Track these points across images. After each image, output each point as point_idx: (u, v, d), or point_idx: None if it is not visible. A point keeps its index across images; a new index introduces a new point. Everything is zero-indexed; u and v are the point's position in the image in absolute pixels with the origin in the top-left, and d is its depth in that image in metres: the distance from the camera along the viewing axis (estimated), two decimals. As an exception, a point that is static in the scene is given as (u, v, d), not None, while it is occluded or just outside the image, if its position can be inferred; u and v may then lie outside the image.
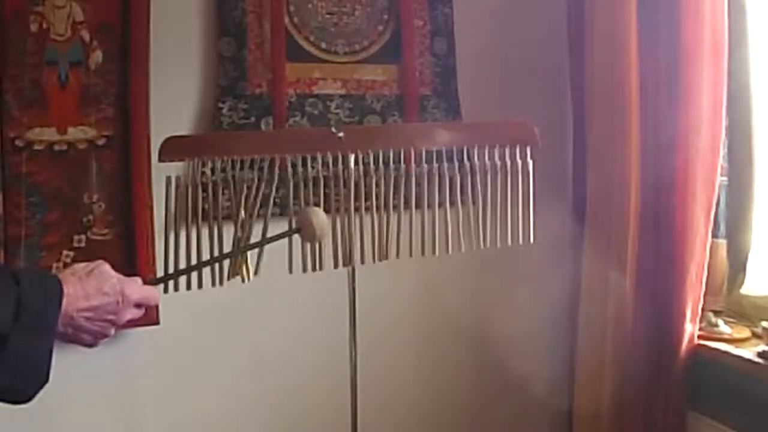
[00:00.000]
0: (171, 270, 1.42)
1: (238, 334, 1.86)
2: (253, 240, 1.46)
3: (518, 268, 1.99)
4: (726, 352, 1.63)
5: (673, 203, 1.68)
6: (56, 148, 1.67)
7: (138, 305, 1.00)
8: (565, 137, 2.06)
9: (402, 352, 2.02)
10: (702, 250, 1.68)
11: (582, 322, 1.93)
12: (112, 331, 0.97)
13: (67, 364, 1.71)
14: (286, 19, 1.87)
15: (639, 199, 1.74)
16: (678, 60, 1.65)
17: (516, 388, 2.06)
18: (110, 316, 0.95)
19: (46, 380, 0.85)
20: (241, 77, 1.83)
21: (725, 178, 1.74)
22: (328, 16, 1.92)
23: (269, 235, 1.33)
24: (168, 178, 1.45)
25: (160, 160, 1.44)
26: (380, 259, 1.52)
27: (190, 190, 1.45)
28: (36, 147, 1.65)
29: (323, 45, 1.91)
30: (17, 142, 1.64)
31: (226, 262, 1.46)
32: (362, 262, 1.52)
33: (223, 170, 1.46)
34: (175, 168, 1.49)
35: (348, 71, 1.93)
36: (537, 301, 2.04)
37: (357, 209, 1.52)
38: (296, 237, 1.34)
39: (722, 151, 1.69)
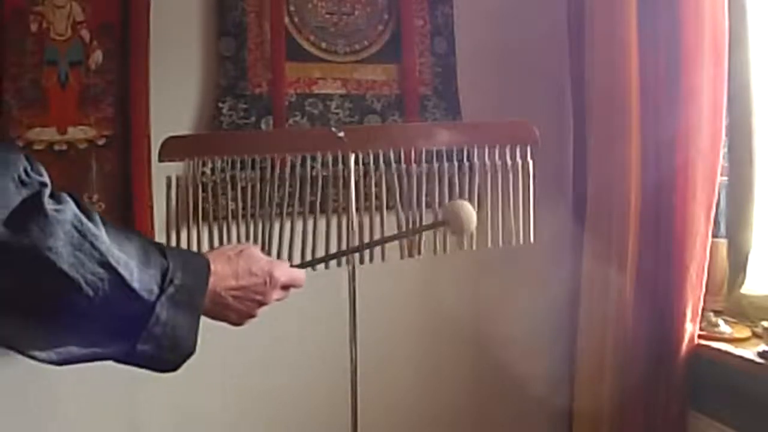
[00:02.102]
0: None
1: (237, 334, 1.84)
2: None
3: (518, 268, 1.99)
4: (726, 352, 1.63)
5: (673, 203, 1.68)
6: (56, 147, 1.67)
7: (285, 287, 1.02)
8: (565, 137, 2.06)
9: (402, 352, 2.02)
10: (702, 250, 1.68)
11: (582, 322, 1.93)
12: (259, 311, 1.00)
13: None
14: (286, 19, 1.87)
15: (639, 199, 1.74)
16: (678, 60, 1.65)
17: (516, 388, 2.06)
18: (258, 297, 0.98)
19: (192, 352, 0.88)
20: (241, 77, 1.83)
21: (725, 178, 1.74)
22: (328, 15, 1.92)
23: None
24: (168, 178, 1.45)
25: (160, 160, 1.44)
26: (380, 260, 1.52)
27: (190, 190, 1.45)
28: (36, 147, 1.65)
29: (323, 45, 1.91)
30: (17, 142, 1.64)
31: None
32: (361, 262, 1.52)
33: (223, 170, 1.46)
34: (175, 168, 1.49)
35: (348, 71, 1.93)
36: (537, 301, 2.04)
37: (357, 209, 1.52)
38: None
39: (722, 151, 1.68)
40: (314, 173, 1.49)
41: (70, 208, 0.74)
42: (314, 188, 1.49)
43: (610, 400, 1.80)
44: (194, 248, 1.47)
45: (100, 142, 1.71)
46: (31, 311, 0.72)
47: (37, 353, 0.75)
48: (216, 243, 1.47)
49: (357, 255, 1.45)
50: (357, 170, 1.49)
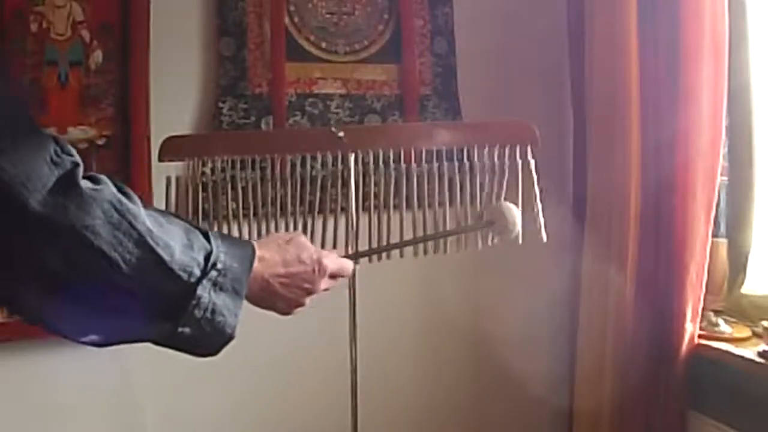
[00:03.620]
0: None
1: (237, 334, 1.86)
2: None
3: (518, 267, 1.99)
4: (726, 352, 1.63)
5: (673, 203, 1.68)
6: (56, 147, 1.67)
7: (333, 276, 1.02)
8: (565, 137, 2.06)
9: (402, 352, 2.02)
10: (702, 250, 1.68)
11: (582, 321, 1.93)
12: (308, 300, 0.99)
13: (66, 363, 1.72)
14: (286, 19, 1.87)
15: (639, 199, 1.74)
16: (678, 60, 1.65)
17: (516, 387, 2.06)
18: (306, 285, 0.97)
19: (232, 337, 0.86)
20: (241, 77, 1.83)
21: (725, 178, 1.74)
22: (328, 15, 1.92)
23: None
24: (168, 178, 1.45)
25: (160, 159, 1.43)
26: (380, 259, 1.52)
27: (190, 190, 1.45)
28: (36, 147, 1.65)
29: (323, 45, 1.91)
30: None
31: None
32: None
33: (223, 170, 1.46)
34: (175, 168, 1.49)
35: (348, 71, 1.93)
36: (537, 300, 2.04)
37: (357, 209, 1.51)
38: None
39: (722, 151, 1.68)
40: (314, 173, 1.49)
41: (108, 188, 0.73)
42: (314, 188, 1.49)
43: (610, 399, 1.80)
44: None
45: (100, 142, 1.71)
46: (72, 291, 0.71)
47: (80, 336, 0.75)
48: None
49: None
50: (357, 170, 1.49)
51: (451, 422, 2.07)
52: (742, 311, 1.76)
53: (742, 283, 1.75)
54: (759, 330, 1.62)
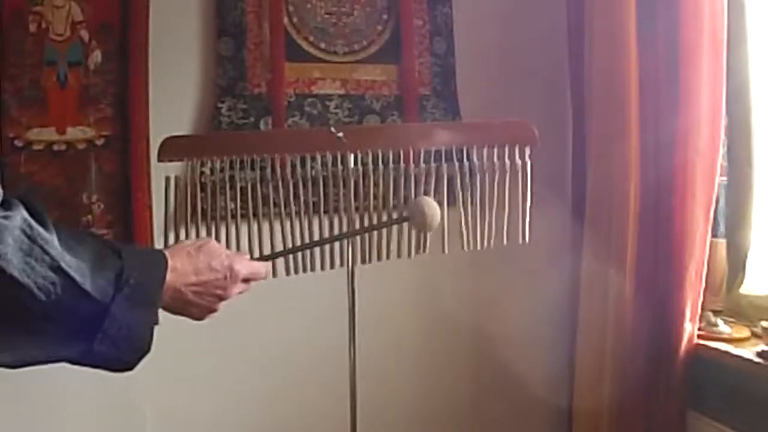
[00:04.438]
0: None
1: (237, 334, 1.86)
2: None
3: (517, 268, 1.99)
4: (726, 352, 1.63)
5: (672, 203, 1.68)
6: (55, 148, 1.67)
7: (246, 280, 1.02)
8: (565, 137, 2.06)
9: (401, 352, 2.02)
10: (701, 250, 1.68)
11: (582, 321, 1.93)
12: (220, 306, 0.99)
13: (66, 364, 1.71)
14: (286, 19, 1.87)
15: (638, 199, 1.74)
16: (677, 59, 1.65)
17: (516, 387, 2.06)
18: (218, 291, 0.97)
19: (147, 350, 0.87)
20: (241, 77, 1.82)
21: (725, 178, 1.74)
22: (327, 16, 1.92)
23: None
24: (167, 178, 1.45)
25: (160, 160, 1.44)
26: (379, 260, 1.52)
27: (189, 190, 1.45)
28: (35, 147, 1.65)
29: (322, 45, 1.91)
30: (16, 142, 1.64)
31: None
32: (360, 262, 1.52)
33: (222, 170, 1.46)
34: (174, 168, 1.49)
35: (347, 71, 1.93)
36: (536, 300, 2.04)
37: (357, 209, 1.51)
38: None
39: (722, 151, 1.68)
40: (314, 173, 1.49)
41: (20, 213, 0.74)
42: (314, 188, 1.49)
43: (610, 399, 1.80)
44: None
45: (100, 142, 1.71)
46: None
47: None
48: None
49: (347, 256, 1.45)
50: (356, 170, 1.49)
51: (451, 422, 2.07)
52: (741, 311, 1.76)
53: (741, 283, 1.74)
54: (758, 330, 1.62)
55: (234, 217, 1.49)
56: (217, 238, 1.47)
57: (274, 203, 1.50)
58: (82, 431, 1.76)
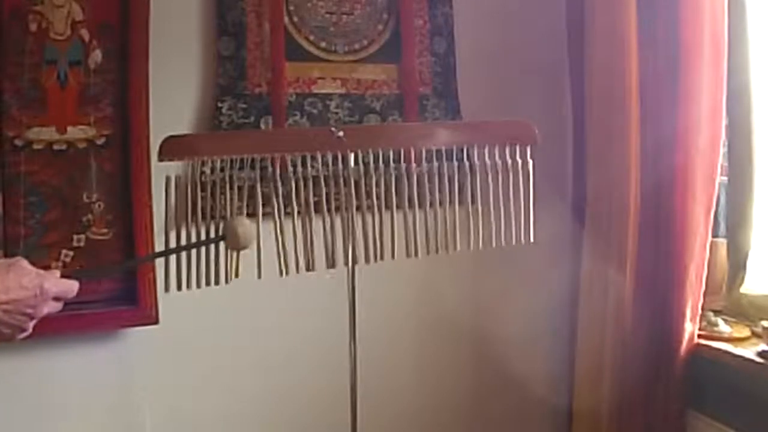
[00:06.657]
0: (171, 269, 1.42)
1: (237, 334, 1.86)
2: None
3: (518, 268, 1.99)
4: (726, 352, 1.63)
5: (672, 202, 1.68)
6: (55, 147, 1.67)
7: (57, 299, 1.01)
8: (565, 137, 2.06)
9: (402, 352, 2.02)
10: (702, 250, 1.68)
11: (581, 321, 1.93)
12: (30, 325, 0.99)
13: (66, 363, 1.72)
14: (286, 19, 1.87)
15: (639, 199, 1.74)
16: (678, 59, 1.65)
17: (516, 387, 2.06)
18: (29, 310, 0.96)
19: None
20: (241, 77, 1.82)
21: (725, 177, 1.74)
22: (327, 15, 1.92)
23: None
24: (167, 178, 1.45)
25: (160, 159, 1.43)
26: (380, 259, 1.52)
27: (189, 189, 1.45)
28: (35, 146, 1.65)
29: (323, 44, 1.91)
30: (16, 142, 1.64)
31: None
32: (360, 261, 1.52)
33: (222, 170, 1.46)
34: (174, 167, 1.49)
35: (347, 70, 1.93)
36: (537, 300, 2.04)
37: (357, 209, 1.51)
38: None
39: (722, 150, 1.68)
40: (314, 173, 1.49)
41: None
42: (314, 188, 1.49)
43: (610, 399, 1.80)
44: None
45: (100, 142, 1.71)
46: None
47: None
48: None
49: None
50: (357, 170, 1.49)
51: (451, 421, 2.07)
52: (742, 311, 1.76)
53: (742, 282, 1.75)
54: (758, 330, 1.62)
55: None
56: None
57: (275, 203, 1.50)
58: (82, 431, 1.76)
